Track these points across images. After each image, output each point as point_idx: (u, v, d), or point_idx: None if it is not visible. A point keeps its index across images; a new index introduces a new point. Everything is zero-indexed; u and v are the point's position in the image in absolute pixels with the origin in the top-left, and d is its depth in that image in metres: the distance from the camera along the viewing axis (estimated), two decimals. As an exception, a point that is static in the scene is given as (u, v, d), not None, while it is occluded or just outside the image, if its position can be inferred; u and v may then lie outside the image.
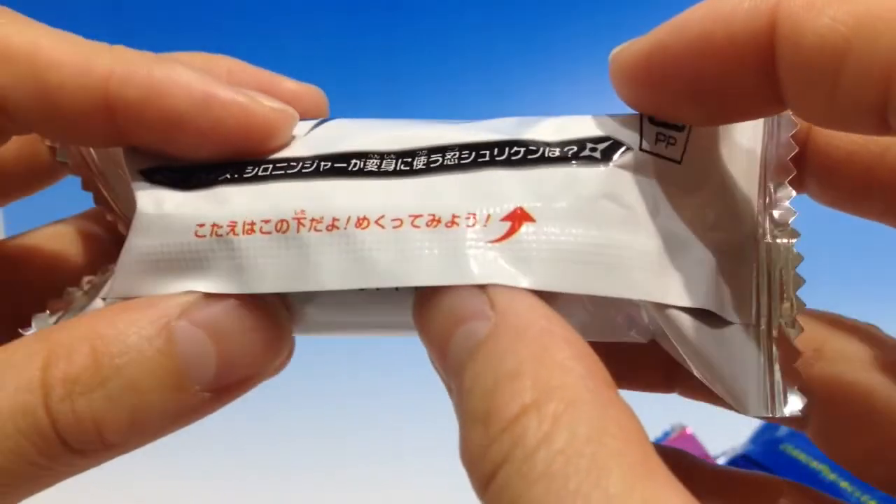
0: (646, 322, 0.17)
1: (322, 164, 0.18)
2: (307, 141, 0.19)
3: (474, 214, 0.16)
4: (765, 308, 0.18)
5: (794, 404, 0.17)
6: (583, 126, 0.18)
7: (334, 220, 0.16)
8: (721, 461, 0.52)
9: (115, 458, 0.16)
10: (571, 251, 0.16)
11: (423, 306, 0.16)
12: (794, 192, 0.19)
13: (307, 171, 0.17)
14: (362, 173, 0.17)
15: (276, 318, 0.17)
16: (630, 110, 0.18)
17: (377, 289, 0.17)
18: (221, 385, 0.16)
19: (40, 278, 0.22)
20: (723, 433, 0.52)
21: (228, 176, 0.18)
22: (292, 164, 0.18)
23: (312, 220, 0.16)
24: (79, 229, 0.23)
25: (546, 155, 0.17)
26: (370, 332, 0.19)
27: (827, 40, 0.14)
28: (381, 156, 0.18)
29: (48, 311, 0.18)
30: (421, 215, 0.16)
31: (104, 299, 0.18)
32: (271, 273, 0.16)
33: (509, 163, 0.17)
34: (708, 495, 0.12)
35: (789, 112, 0.18)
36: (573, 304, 0.17)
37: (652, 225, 0.17)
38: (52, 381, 0.15)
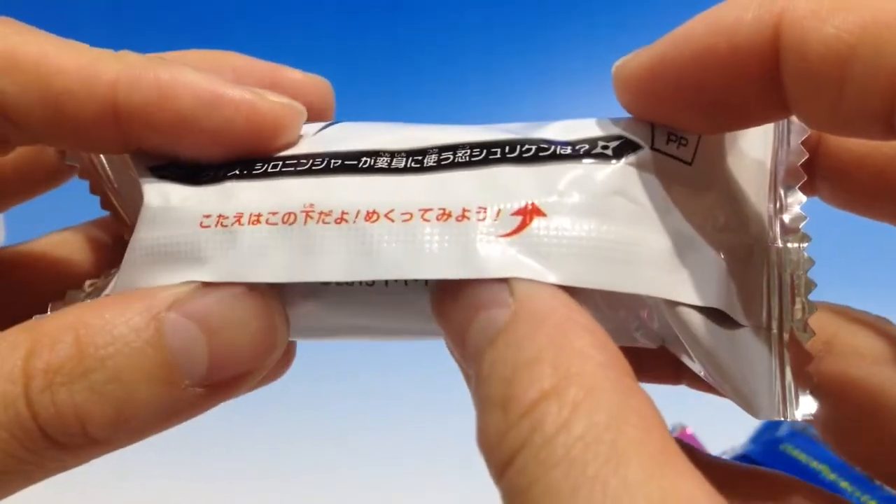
0: (655, 325, 0.17)
1: (332, 161, 0.17)
2: (317, 140, 0.19)
3: (485, 209, 0.16)
4: (776, 311, 0.18)
5: (806, 407, 0.17)
6: (593, 126, 0.18)
7: (343, 213, 0.16)
8: (721, 461, 0.52)
9: (105, 454, 0.16)
10: (583, 246, 0.16)
11: (443, 294, 0.16)
12: (804, 198, 0.19)
13: (317, 168, 0.17)
14: (373, 170, 0.17)
15: (271, 313, 0.16)
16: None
17: (385, 284, 0.17)
18: (214, 381, 0.16)
19: (47, 284, 0.22)
20: (723, 433, 0.52)
21: (237, 172, 0.18)
22: (302, 161, 0.18)
23: (321, 213, 0.16)
24: (86, 236, 0.23)
25: (557, 152, 0.17)
26: (373, 337, 0.19)
27: (832, 49, 0.14)
28: (392, 154, 0.18)
29: (49, 312, 0.18)
30: (431, 209, 0.16)
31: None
32: (273, 263, 0.16)
33: (520, 160, 0.17)
34: (720, 489, 0.12)
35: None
36: (584, 305, 0.17)
37: (663, 223, 0.17)
38: (34, 371, 0.15)
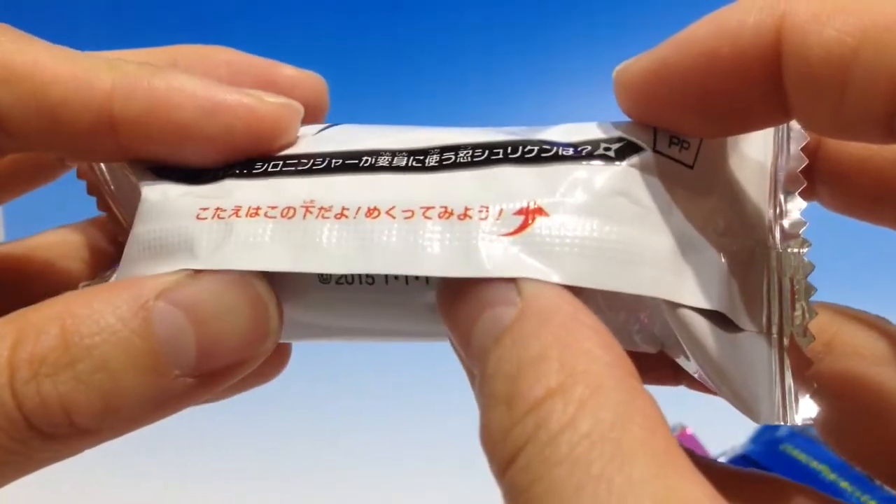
0: (655, 328, 0.17)
1: (333, 160, 0.17)
2: (317, 140, 0.19)
3: (487, 207, 0.16)
4: (776, 316, 0.18)
5: (806, 412, 0.17)
6: (595, 129, 0.18)
7: (343, 209, 0.16)
8: (721, 461, 0.52)
9: (95, 444, 0.16)
10: (586, 245, 0.15)
11: (449, 292, 0.16)
12: (804, 203, 0.19)
13: (318, 167, 0.17)
14: (374, 168, 0.17)
15: (263, 303, 0.16)
16: None
17: (385, 282, 0.17)
18: (204, 371, 0.16)
19: (40, 283, 0.22)
20: (723, 433, 0.52)
21: (237, 171, 0.18)
22: (303, 160, 0.18)
23: (321, 208, 0.16)
24: (82, 236, 0.23)
25: (560, 153, 0.17)
26: (372, 338, 0.19)
27: (833, 52, 0.14)
28: (393, 153, 0.18)
29: None
30: (433, 207, 0.16)
31: None
32: (268, 253, 0.16)
33: (523, 160, 0.17)
34: (720, 492, 0.12)
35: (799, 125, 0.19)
36: (586, 305, 0.17)
37: (665, 225, 0.17)
38: (19, 362, 0.15)
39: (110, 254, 0.22)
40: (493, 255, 0.15)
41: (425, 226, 0.16)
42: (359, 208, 0.16)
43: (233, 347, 0.16)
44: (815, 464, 0.47)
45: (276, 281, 0.17)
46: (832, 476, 0.45)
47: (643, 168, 0.17)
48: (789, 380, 0.17)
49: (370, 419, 0.68)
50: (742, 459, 0.50)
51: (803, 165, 0.18)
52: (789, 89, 0.15)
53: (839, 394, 0.19)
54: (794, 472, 0.47)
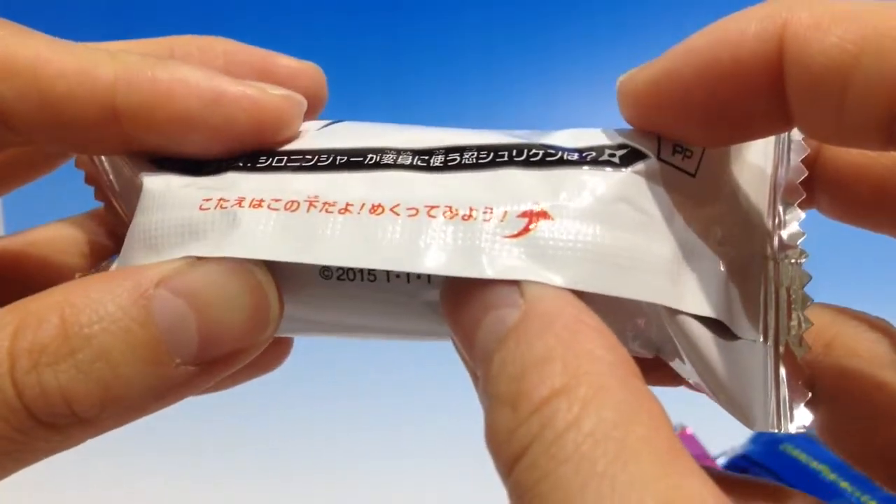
0: (653, 333, 0.17)
1: (338, 157, 0.18)
2: (321, 136, 0.19)
3: (491, 209, 0.16)
4: (772, 324, 0.18)
5: (801, 420, 0.17)
6: (600, 135, 0.18)
7: (348, 204, 0.16)
8: (721, 461, 0.52)
9: (98, 434, 0.16)
10: (588, 250, 0.16)
11: (453, 293, 0.16)
12: (802, 214, 0.19)
13: (323, 164, 0.17)
14: (379, 166, 0.17)
15: (263, 291, 0.16)
16: None
17: (387, 279, 0.17)
18: (205, 359, 0.16)
19: (39, 277, 0.22)
20: (723, 433, 0.52)
21: (241, 164, 0.18)
22: (307, 157, 0.18)
23: (325, 203, 0.16)
24: (80, 230, 0.23)
25: (565, 158, 0.17)
26: (371, 335, 0.19)
27: (835, 60, 0.14)
28: (398, 152, 0.18)
29: None
30: (437, 206, 0.16)
31: None
32: (270, 242, 0.16)
33: (528, 163, 0.17)
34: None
35: (799, 136, 0.19)
36: None
37: (667, 232, 0.17)
38: (19, 351, 0.15)
39: (109, 248, 0.22)
40: (496, 257, 0.15)
41: (430, 224, 0.16)
42: (363, 204, 0.16)
43: (234, 335, 0.16)
44: (815, 464, 0.47)
45: (278, 274, 0.17)
46: (832, 476, 0.45)
47: (647, 175, 0.17)
48: (784, 389, 0.17)
49: (370, 418, 0.68)
50: (742, 459, 0.50)
51: (803, 177, 0.18)
52: (791, 97, 0.15)
53: (838, 395, 0.19)
54: (795, 472, 0.47)
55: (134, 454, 0.56)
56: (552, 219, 0.16)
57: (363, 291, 0.17)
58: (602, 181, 0.16)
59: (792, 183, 0.19)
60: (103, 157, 0.20)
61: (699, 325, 0.17)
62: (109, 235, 0.22)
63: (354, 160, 0.17)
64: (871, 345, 0.19)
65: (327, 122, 0.20)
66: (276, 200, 0.16)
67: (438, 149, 0.18)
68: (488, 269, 0.15)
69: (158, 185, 0.18)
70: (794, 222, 0.19)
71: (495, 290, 0.15)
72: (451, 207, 0.16)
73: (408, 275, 0.17)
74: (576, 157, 0.17)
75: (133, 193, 0.18)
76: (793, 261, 0.18)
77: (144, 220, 0.17)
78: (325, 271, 0.17)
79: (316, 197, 0.16)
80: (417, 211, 0.16)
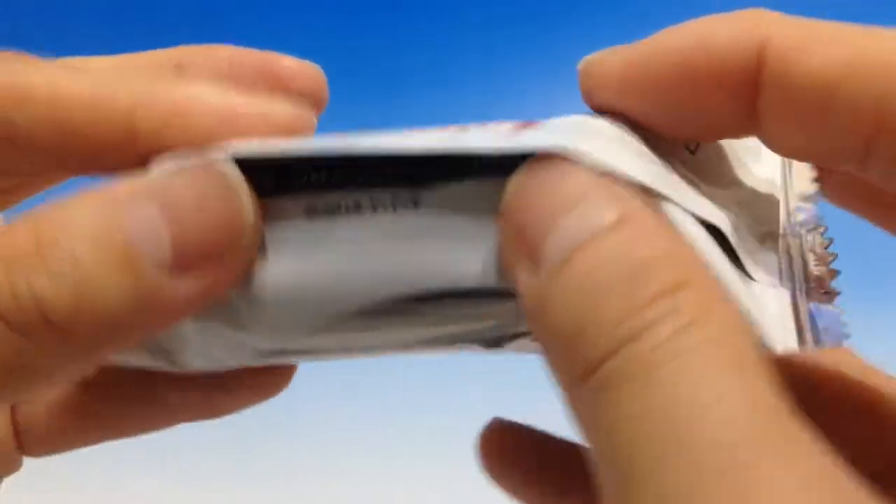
0: None
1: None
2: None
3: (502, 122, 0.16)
4: (798, 275, 0.17)
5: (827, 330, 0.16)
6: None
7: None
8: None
9: (82, 351, 0.16)
10: (621, 140, 0.16)
11: (526, 179, 0.15)
12: (813, 205, 0.18)
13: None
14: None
15: (232, 189, 0.16)
16: None
17: (373, 209, 0.16)
18: (180, 263, 0.15)
19: None
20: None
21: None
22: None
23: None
24: None
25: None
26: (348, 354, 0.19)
27: (817, 81, 0.15)
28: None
29: None
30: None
31: None
32: (256, 143, 0.16)
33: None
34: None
35: None
36: None
37: (672, 169, 0.17)
38: None
39: None
40: (530, 137, 0.15)
41: (459, 132, 0.16)
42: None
43: (207, 237, 0.16)
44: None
45: (263, 217, 0.16)
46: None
47: (644, 139, 0.17)
48: (804, 314, 0.16)
49: (369, 418, 0.68)
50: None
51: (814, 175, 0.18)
52: (765, 111, 0.16)
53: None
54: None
55: (131, 458, 0.56)
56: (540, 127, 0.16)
57: (349, 232, 0.16)
58: (604, 123, 0.17)
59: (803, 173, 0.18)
60: None
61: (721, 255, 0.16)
62: None
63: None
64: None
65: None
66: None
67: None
68: (534, 145, 0.14)
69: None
70: (810, 203, 0.18)
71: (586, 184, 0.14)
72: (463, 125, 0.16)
73: (393, 204, 0.16)
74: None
75: None
76: (810, 230, 0.18)
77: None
78: (311, 209, 0.17)
79: None
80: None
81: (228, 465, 0.62)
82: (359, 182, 0.16)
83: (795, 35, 0.15)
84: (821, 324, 0.16)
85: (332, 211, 0.17)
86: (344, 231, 0.16)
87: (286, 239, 0.17)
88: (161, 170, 0.16)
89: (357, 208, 0.16)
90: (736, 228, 0.17)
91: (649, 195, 0.15)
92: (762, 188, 0.19)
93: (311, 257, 0.17)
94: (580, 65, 0.18)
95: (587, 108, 0.18)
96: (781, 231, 0.18)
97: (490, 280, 0.16)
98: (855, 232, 0.21)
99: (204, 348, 0.18)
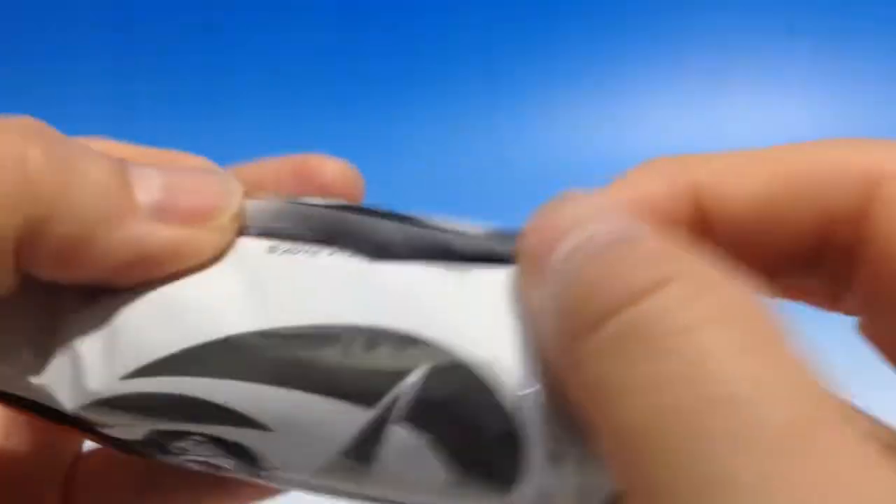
0: None
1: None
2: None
3: None
4: None
5: None
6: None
7: None
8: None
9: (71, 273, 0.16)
10: None
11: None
12: None
13: None
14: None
15: (227, 176, 0.18)
16: None
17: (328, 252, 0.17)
18: (165, 208, 0.16)
19: None
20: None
21: None
22: None
23: None
24: None
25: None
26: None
27: (749, 209, 0.16)
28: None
29: None
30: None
31: None
32: None
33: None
34: None
35: None
36: None
37: None
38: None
39: None
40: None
41: None
42: None
43: (192, 197, 0.17)
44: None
45: None
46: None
47: None
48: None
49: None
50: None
51: None
52: (717, 239, 0.16)
53: (879, 288, 0.17)
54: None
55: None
56: None
57: (310, 270, 0.16)
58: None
59: None
60: None
61: None
62: None
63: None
64: None
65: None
66: None
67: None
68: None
69: None
70: None
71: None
72: None
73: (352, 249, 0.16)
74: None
75: None
76: None
77: None
78: (273, 246, 0.17)
79: None
80: None
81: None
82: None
83: (713, 175, 0.16)
84: None
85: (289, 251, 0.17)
86: (304, 268, 0.17)
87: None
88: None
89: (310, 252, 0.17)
90: None
91: None
92: None
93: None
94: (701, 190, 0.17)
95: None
96: None
97: None
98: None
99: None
